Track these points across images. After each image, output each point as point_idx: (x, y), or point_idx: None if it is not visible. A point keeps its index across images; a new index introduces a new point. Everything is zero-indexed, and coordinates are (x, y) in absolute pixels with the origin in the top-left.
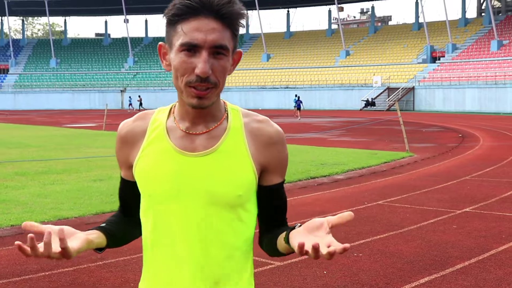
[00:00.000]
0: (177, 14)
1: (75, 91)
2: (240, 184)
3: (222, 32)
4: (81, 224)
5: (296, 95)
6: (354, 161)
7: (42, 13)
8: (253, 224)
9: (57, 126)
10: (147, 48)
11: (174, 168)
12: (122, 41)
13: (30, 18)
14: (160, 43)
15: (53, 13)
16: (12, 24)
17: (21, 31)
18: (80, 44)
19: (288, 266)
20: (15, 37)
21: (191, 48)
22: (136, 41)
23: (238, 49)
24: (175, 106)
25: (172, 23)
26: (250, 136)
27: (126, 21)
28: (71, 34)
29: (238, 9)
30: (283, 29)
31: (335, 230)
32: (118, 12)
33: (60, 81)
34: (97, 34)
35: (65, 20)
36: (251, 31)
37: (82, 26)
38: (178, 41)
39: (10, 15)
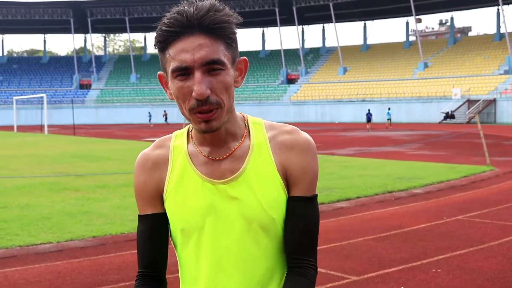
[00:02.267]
0: (161, 40)
1: (154, 106)
2: (272, 205)
3: (212, 46)
4: None
5: (388, 108)
6: (432, 175)
7: (123, 30)
8: None
9: (136, 140)
10: None
11: (204, 199)
12: None
13: (111, 35)
14: (159, 73)
15: (134, 29)
16: (95, 41)
17: (103, 48)
18: (159, 60)
19: (364, 281)
20: (97, 54)
21: (183, 72)
22: None
23: (241, 57)
24: (192, 129)
25: (161, 50)
26: (276, 149)
27: None
28: (150, 49)
29: (221, 17)
30: (360, 42)
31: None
32: None
33: (140, 96)
34: None
35: (145, 36)
36: (327, 44)
37: None
38: (169, 68)
39: (93, 32)
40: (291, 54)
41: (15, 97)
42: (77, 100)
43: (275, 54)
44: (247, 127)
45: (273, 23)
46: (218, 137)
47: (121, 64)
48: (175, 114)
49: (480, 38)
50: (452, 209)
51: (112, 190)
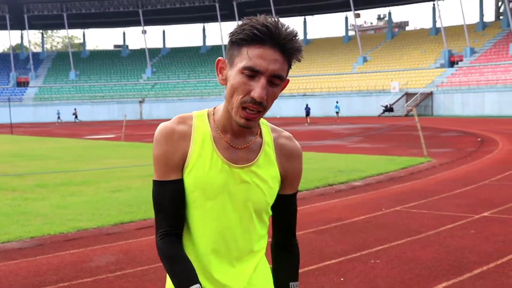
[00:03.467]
0: (244, 39)
1: (94, 103)
2: (271, 193)
3: (282, 63)
4: (100, 235)
5: (337, 102)
6: (372, 168)
7: (61, 26)
8: (268, 224)
9: (76, 138)
10: (165, 58)
11: (221, 178)
12: (140, 52)
13: (49, 31)
14: (219, 58)
15: (72, 25)
16: (32, 38)
17: (41, 44)
18: (99, 56)
19: (304, 274)
20: (34, 50)
21: (252, 73)
22: (154, 52)
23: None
24: (213, 114)
25: (237, 44)
26: (277, 150)
27: (144, 32)
28: (89, 46)
29: (299, 46)
30: (300, 36)
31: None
32: (136, 23)
33: (80, 93)
34: (115, 46)
35: (83, 32)
36: None
37: (100, 38)
38: (241, 63)
39: (29, 28)
40: None
41: None
42: (14, 98)
43: (216, 49)
44: (259, 126)
45: (213, 19)
46: (242, 130)
47: (60, 61)
48: (85, 112)
49: (417, 32)
50: (391, 200)
51: (51, 190)
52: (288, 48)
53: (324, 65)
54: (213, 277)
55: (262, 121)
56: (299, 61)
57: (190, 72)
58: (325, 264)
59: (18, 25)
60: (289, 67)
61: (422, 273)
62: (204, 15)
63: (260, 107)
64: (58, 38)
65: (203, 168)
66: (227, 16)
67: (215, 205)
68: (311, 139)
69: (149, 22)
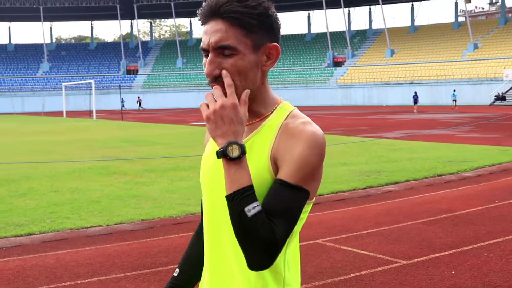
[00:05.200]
0: (200, 21)
1: (200, 90)
2: (259, 182)
3: (227, 32)
4: None
5: (454, 90)
6: (483, 158)
7: (168, 15)
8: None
9: (184, 124)
10: None
11: (211, 164)
12: None
13: (157, 21)
14: None
15: (179, 15)
16: (141, 27)
17: (149, 33)
18: None
19: (414, 265)
20: (143, 39)
21: (205, 53)
22: None
23: (272, 43)
24: None
25: None
26: (281, 131)
27: None
28: (196, 34)
29: (238, 7)
30: (407, 23)
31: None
32: None
33: (186, 81)
34: None
35: (190, 21)
36: (374, 26)
37: None
38: None
39: (139, 18)
40: (337, 37)
41: (64, 83)
42: (124, 85)
43: (321, 37)
44: (273, 109)
45: (319, 6)
46: None
47: (167, 49)
48: (192, 99)
49: None
50: (505, 192)
51: (160, 174)
52: (222, 13)
53: (433, 52)
54: (208, 269)
55: (286, 107)
56: (250, 22)
57: (294, 59)
58: (435, 256)
59: (128, 15)
60: (249, 32)
61: None
62: (309, 3)
63: (219, 82)
64: (165, 27)
65: (203, 158)
66: (333, 3)
67: (204, 191)
68: (419, 128)
69: None
